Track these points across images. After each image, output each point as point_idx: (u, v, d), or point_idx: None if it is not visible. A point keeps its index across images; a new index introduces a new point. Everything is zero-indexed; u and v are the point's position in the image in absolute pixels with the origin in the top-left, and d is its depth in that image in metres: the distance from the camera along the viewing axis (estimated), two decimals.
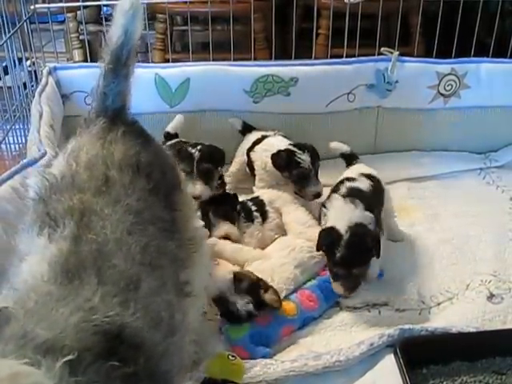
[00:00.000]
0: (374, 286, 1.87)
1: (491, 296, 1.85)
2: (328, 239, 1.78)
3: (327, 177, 2.33)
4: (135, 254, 1.08)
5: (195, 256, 1.38)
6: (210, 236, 1.86)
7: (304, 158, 2.07)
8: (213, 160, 2.05)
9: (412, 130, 2.49)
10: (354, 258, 1.75)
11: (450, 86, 2.41)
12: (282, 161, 2.08)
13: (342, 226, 1.76)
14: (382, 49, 2.37)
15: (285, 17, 3.26)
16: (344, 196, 1.87)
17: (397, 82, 2.40)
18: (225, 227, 1.92)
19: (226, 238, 1.91)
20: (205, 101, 2.37)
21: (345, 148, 2.16)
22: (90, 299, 0.96)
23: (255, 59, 2.62)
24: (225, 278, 1.69)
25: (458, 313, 1.80)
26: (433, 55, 2.49)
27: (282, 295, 1.77)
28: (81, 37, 2.99)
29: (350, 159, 2.16)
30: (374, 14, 2.63)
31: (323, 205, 1.94)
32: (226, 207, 1.98)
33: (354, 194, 1.87)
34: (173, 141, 2.21)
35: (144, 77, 2.32)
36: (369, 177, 2.00)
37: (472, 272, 1.96)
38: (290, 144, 2.13)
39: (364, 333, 1.73)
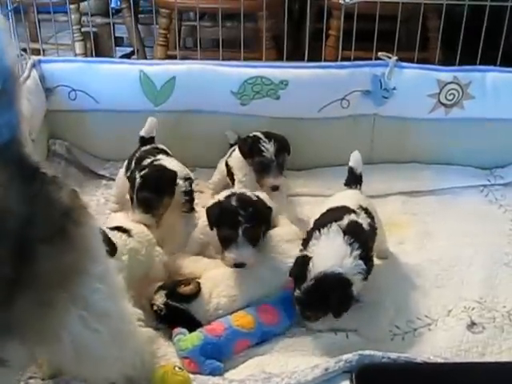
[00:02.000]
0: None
1: (472, 325, 1.72)
2: (298, 271, 1.63)
3: (318, 186, 2.26)
4: None
5: None
6: None
7: (268, 147, 1.99)
8: (156, 188, 1.88)
9: (411, 141, 2.36)
10: (311, 304, 1.62)
11: (452, 96, 2.26)
12: (246, 147, 2.01)
13: (320, 266, 1.59)
14: (380, 53, 2.23)
15: (300, 16, 3.16)
16: (345, 233, 1.67)
17: (394, 88, 2.26)
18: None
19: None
20: (190, 101, 2.28)
21: (360, 168, 1.96)
22: None
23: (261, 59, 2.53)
24: None
25: (432, 341, 1.68)
26: (456, 63, 2.34)
27: (236, 304, 1.69)
28: (85, 29, 2.97)
29: (354, 180, 1.96)
30: (393, 15, 2.48)
31: (317, 228, 1.73)
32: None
33: (352, 232, 1.68)
34: (147, 147, 2.09)
35: (128, 73, 2.27)
36: (367, 212, 1.82)
37: (457, 297, 1.82)
38: (261, 132, 2.06)
39: (326, 357, 1.60)
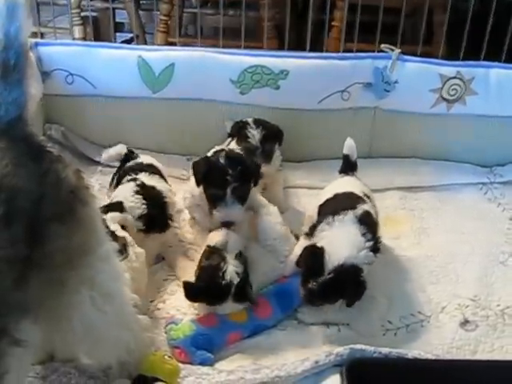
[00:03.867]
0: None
1: (465, 322, 1.71)
2: (312, 263, 1.60)
3: (316, 179, 2.23)
4: None
5: None
6: None
7: (254, 133, 1.99)
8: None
9: (411, 136, 2.31)
10: (324, 297, 1.61)
11: (454, 91, 2.22)
12: (234, 130, 1.95)
13: (337, 259, 1.57)
14: (382, 45, 2.20)
15: (303, 7, 3.11)
16: (360, 222, 1.65)
17: (396, 82, 2.22)
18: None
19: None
20: (189, 88, 2.24)
21: (355, 155, 1.94)
22: None
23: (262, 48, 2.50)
24: None
25: (424, 337, 1.67)
26: (459, 58, 2.32)
27: None
28: (85, 14, 2.91)
29: (349, 167, 1.94)
30: (398, 8, 2.47)
31: (329, 214, 1.70)
32: None
33: (366, 222, 1.66)
34: (131, 163, 2.03)
35: (127, 59, 2.22)
36: (371, 200, 1.82)
37: (451, 294, 1.81)
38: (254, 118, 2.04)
39: (317, 350, 1.59)
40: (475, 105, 2.27)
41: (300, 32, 3.05)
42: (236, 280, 1.58)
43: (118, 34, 3.26)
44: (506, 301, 1.79)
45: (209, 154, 1.81)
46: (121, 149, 2.07)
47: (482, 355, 1.63)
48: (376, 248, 1.64)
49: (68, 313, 1.22)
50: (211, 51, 2.24)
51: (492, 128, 2.29)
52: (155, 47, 2.34)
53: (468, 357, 1.61)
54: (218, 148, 1.83)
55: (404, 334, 1.68)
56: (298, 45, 2.80)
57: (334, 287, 1.57)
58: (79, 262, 1.20)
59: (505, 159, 2.33)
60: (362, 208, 1.71)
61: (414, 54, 2.33)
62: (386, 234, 1.99)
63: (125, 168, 2.02)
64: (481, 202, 2.21)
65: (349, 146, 1.94)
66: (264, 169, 2.00)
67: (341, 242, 1.61)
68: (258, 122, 2.02)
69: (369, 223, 1.67)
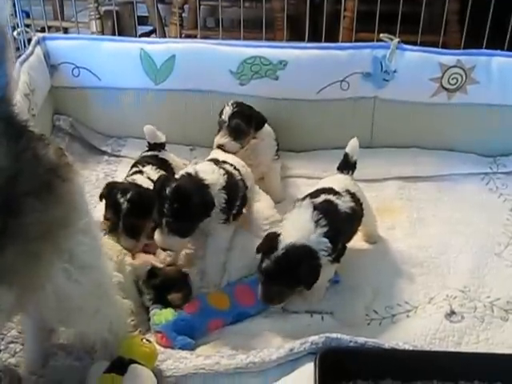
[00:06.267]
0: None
1: (451, 313, 1.70)
2: (266, 246, 1.63)
3: (315, 169, 2.25)
4: None
5: None
6: None
7: (227, 109, 2.00)
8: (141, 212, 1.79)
9: (412, 126, 2.30)
10: (279, 276, 1.60)
11: (454, 80, 2.20)
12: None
13: (287, 238, 1.60)
14: (382, 35, 2.18)
15: None
16: (315, 208, 1.66)
17: (395, 71, 2.21)
18: None
19: None
20: (190, 80, 2.28)
21: (355, 156, 1.91)
22: None
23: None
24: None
25: (408, 327, 1.67)
26: (481, 47, 2.26)
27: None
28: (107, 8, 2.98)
29: (347, 166, 1.91)
30: None
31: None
32: None
33: (326, 212, 1.66)
34: (148, 153, 2.10)
35: (129, 51, 2.28)
36: (353, 197, 1.80)
37: (441, 285, 1.81)
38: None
39: (300, 339, 1.57)
40: (477, 94, 2.24)
41: (316, 23, 3.06)
42: None
43: (139, 27, 3.32)
44: (496, 293, 1.77)
45: (181, 172, 1.76)
46: (160, 136, 2.12)
47: (467, 347, 1.61)
48: (334, 236, 1.63)
49: (42, 283, 1.25)
50: (211, 43, 2.28)
51: (495, 117, 2.26)
52: (156, 40, 2.39)
53: (451, 348, 1.60)
54: (186, 172, 1.75)
55: (389, 324, 1.68)
56: (313, 36, 2.81)
57: (286, 265, 1.58)
58: (56, 234, 1.23)
59: (509, 149, 2.30)
60: (324, 197, 1.72)
61: (433, 44, 2.31)
62: (381, 224, 2.03)
63: (143, 155, 2.10)
64: (482, 193, 2.19)
65: (352, 146, 1.92)
66: (260, 159, 2.08)
67: (293, 226, 1.64)
68: (238, 104, 2.03)
69: (326, 210, 1.67)
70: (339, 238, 1.67)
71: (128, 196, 1.76)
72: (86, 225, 1.31)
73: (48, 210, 1.20)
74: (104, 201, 1.81)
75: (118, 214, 1.76)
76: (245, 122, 2.00)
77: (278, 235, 1.62)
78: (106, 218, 1.80)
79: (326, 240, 1.61)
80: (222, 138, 1.98)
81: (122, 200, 1.76)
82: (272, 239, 1.63)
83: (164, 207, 1.62)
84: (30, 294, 1.27)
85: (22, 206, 1.16)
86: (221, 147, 1.97)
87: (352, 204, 1.77)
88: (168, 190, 1.64)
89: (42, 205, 1.19)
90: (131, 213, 1.76)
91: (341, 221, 1.70)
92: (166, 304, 1.65)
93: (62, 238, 1.25)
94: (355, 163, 1.93)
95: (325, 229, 1.62)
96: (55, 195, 1.21)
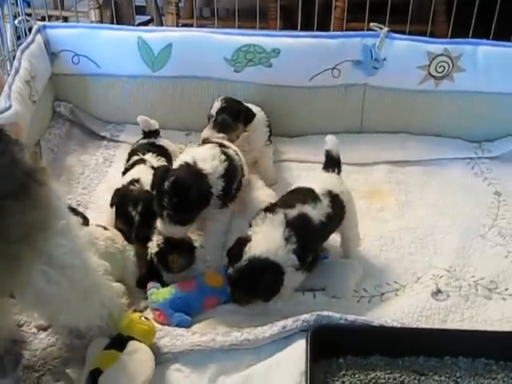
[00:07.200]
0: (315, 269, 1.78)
1: (437, 292, 1.77)
2: (234, 252, 1.66)
3: (307, 153, 2.31)
4: None
5: None
6: None
7: (216, 104, 2.05)
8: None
9: (401, 112, 2.38)
10: (242, 285, 1.64)
11: (441, 68, 2.27)
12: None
13: (253, 249, 1.61)
14: (371, 24, 2.25)
15: None
16: (287, 225, 1.64)
17: (384, 59, 2.28)
18: None
19: None
20: (186, 67, 2.34)
21: (336, 151, 1.85)
22: None
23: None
24: None
25: (396, 306, 1.74)
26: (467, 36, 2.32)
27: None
28: None
29: (332, 164, 1.85)
30: None
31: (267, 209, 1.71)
32: None
33: (298, 228, 1.64)
34: (144, 140, 2.16)
35: (127, 39, 2.34)
36: (334, 199, 1.75)
37: (427, 265, 1.88)
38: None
39: (292, 317, 1.64)
40: (463, 81, 2.31)
41: (308, 12, 3.11)
42: None
43: (137, 16, 3.35)
44: (480, 272, 1.84)
45: (176, 164, 1.79)
46: (153, 124, 2.18)
47: (452, 324, 1.68)
48: (302, 252, 1.64)
49: (22, 286, 1.29)
50: (206, 31, 2.34)
51: (480, 104, 2.33)
52: (154, 28, 2.45)
53: (437, 325, 1.67)
54: (183, 161, 1.77)
55: (377, 302, 1.75)
56: (305, 25, 2.87)
57: (248, 276, 1.61)
58: (35, 237, 1.26)
59: (494, 135, 2.37)
60: (298, 210, 1.68)
61: (422, 34, 2.36)
62: (371, 206, 2.11)
63: (140, 143, 2.15)
64: (467, 177, 2.26)
65: (331, 142, 1.86)
66: (252, 145, 2.14)
67: (263, 238, 1.64)
68: (227, 100, 2.08)
69: (299, 227, 1.65)
70: (308, 254, 1.68)
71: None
72: (64, 226, 1.33)
73: (26, 213, 1.23)
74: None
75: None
76: (232, 118, 2.05)
77: (247, 242, 1.64)
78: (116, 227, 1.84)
79: (294, 257, 1.63)
80: (208, 131, 2.03)
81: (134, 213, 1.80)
82: (240, 245, 1.64)
83: (163, 201, 1.67)
84: (9, 294, 1.33)
85: (1, 208, 1.19)
86: (206, 141, 1.99)
87: (329, 210, 1.73)
88: (166, 185, 1.67)
89: (20, 207, 1.22)
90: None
91: (312, 235, 1.70)
92: (165, 266, 1.73)
93: (41, 241, 1.28)
94: (339, 159, 1.87)
95: (294, 246, 1.63)
96: (32, 198, 1.25)
